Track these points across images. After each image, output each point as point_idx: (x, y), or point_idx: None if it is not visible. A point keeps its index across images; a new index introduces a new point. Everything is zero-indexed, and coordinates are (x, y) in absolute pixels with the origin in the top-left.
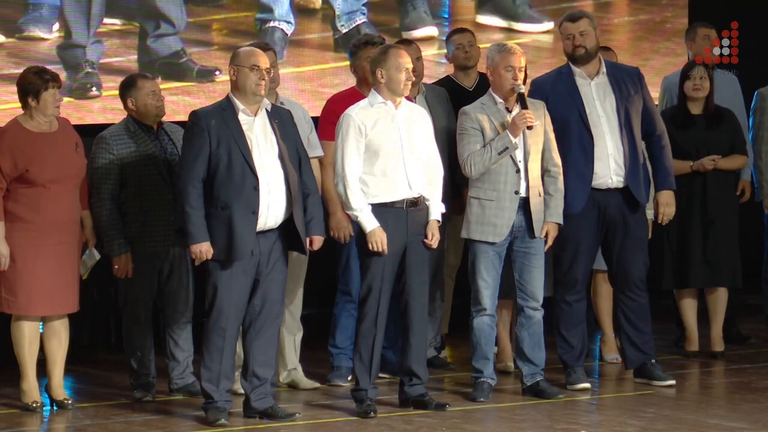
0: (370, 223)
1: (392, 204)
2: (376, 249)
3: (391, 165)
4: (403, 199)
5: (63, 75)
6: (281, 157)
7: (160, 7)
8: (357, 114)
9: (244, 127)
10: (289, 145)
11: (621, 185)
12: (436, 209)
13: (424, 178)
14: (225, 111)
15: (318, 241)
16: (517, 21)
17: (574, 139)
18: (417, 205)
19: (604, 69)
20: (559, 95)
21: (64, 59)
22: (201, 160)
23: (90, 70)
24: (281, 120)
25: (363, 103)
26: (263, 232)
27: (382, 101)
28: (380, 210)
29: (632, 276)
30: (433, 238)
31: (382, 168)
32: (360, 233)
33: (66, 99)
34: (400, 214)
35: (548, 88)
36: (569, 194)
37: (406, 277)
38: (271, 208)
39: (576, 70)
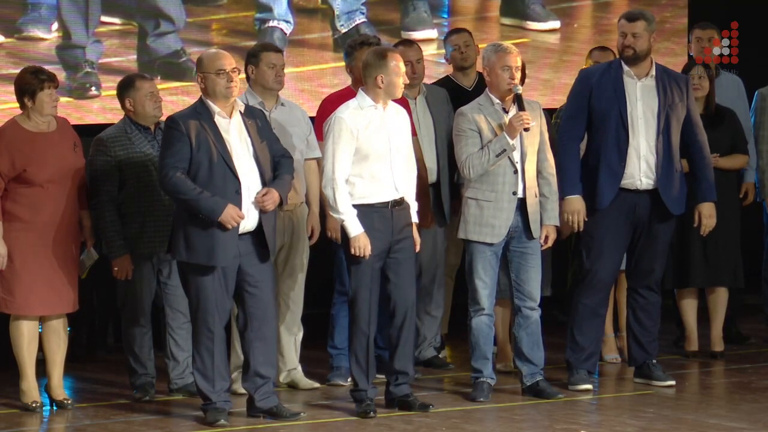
0: (354, 228)
1: (378, 204)
2: (358, 254)
3: (378, 167)
4: (389, 201)
5: (62, 75)
6: (256, 158)
7: (160, 7)
8: (349, 118)
9: (221, 130)
10: (264, 145)
11: (650, 188)
12: (413, 210)
13: (407, 179)
14: (201, 114)
15: (272, 195)
16: (525, 20)
17: (610, 135)
18: (401, 204)
19: (653, 72)
20: (604, 89)
21: (64, 59)
22: (183, 160)
23: (89, 70)
24: (255, 120)
25: (353, 104)
26: (241, 235)
27: (372, 104)
28: (366, 210)
29: (649, 276)
30: (417, 243)
31: (370, 171)
32: (346, 236)
33: (65, 99)
34: (386, 214)
35: (594, 79)
36: (598, 189)
37: (394, 275)
38: (251, 211)
39: (626, 68)
